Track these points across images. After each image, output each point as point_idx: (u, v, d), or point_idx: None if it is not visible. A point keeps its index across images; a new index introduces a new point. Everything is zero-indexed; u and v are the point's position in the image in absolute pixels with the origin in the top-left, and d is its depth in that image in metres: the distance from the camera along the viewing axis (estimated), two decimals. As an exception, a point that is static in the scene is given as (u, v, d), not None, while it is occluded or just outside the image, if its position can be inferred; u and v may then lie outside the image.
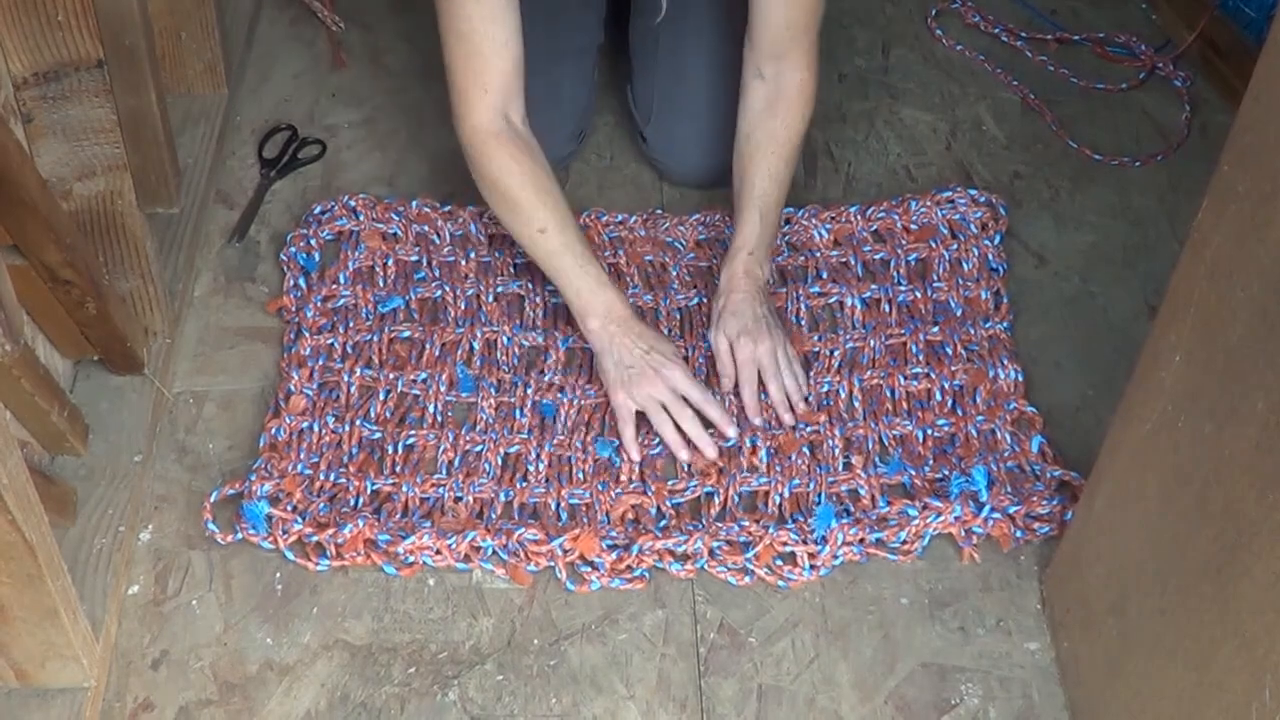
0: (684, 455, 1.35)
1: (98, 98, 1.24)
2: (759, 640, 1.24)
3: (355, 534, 1.26)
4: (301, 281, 1.52)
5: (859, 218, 1.59)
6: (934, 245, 1.56)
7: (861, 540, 1.29)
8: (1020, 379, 1.42)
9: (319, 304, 1.49)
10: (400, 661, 1.22)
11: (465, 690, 1.21)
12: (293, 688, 1.20)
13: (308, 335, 1.45)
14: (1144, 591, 1.05)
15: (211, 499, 1.31)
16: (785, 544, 1.28)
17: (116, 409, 1.35)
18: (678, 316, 1.51)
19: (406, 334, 1.47)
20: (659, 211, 1.62)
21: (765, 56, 1.44)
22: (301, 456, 1.34)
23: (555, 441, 1.37)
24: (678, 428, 1.35)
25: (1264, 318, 0.85)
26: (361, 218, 1.58)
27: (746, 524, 1.29)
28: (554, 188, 1.40)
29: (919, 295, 1.52)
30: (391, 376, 1.42)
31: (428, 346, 1.45)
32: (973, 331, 1.47)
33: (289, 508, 1.29)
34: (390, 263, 1.54)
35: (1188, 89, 1.82)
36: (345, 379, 1.41)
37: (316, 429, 1.37)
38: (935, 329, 1.48)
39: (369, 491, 1.32)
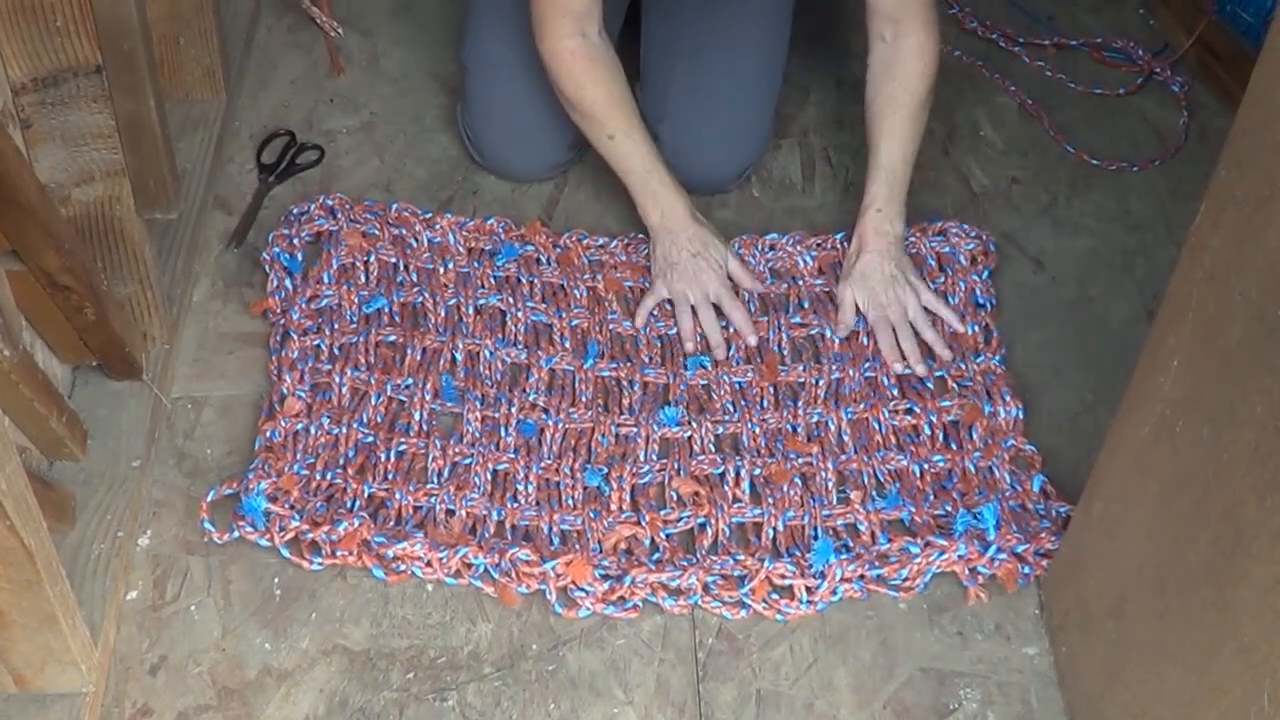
0: (689, 346, 1.47)
1: (96, 103, 1.24)
2: (757, 645, 1.24)
3: (351, 532, 1.26)
4: (287, 282, 1.51)
5: (844, 245, 1.56)
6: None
7: (862, 576, 1.27)
8: (1021, 416, 1.39)
9: (304, 305, 1.48)
10: (399, 667, 1.22)
11: (464, 696, 1.20)
12: (291, 693, 1.20)
13: (295, 338, 1.45)
14: (1143, 595, 1.05)
15: (208, 498, 1.31)
16: (783, 577, 1.26)
17: (115, 414, 1.35)
18: (658, 344, 1.49)
19: (391, 338, 1.46)
20: (640, 236, 1.58)
21: (884, 20, 1.52)
22: (297, 457, 1.34)
23: (543, 465, 1.36)
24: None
25: (1262, 321, 0.85)
26: (339, 216, 1.57)
27: (741, 558, 1.27)
28: (624, 95, 1.50)
29: None
30: (381, 380, 1.42)
31: (409, 351, 1.45)
32: (964, 366, 1.45)
33: (286, 505, 1.29)
34: (372, 260, 1.54)
35: (1185, 94, 1.83)
36: (336, 380, 1.41)
37: (313, 431, 1.36)
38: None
39: (365, 495, 1.32)
